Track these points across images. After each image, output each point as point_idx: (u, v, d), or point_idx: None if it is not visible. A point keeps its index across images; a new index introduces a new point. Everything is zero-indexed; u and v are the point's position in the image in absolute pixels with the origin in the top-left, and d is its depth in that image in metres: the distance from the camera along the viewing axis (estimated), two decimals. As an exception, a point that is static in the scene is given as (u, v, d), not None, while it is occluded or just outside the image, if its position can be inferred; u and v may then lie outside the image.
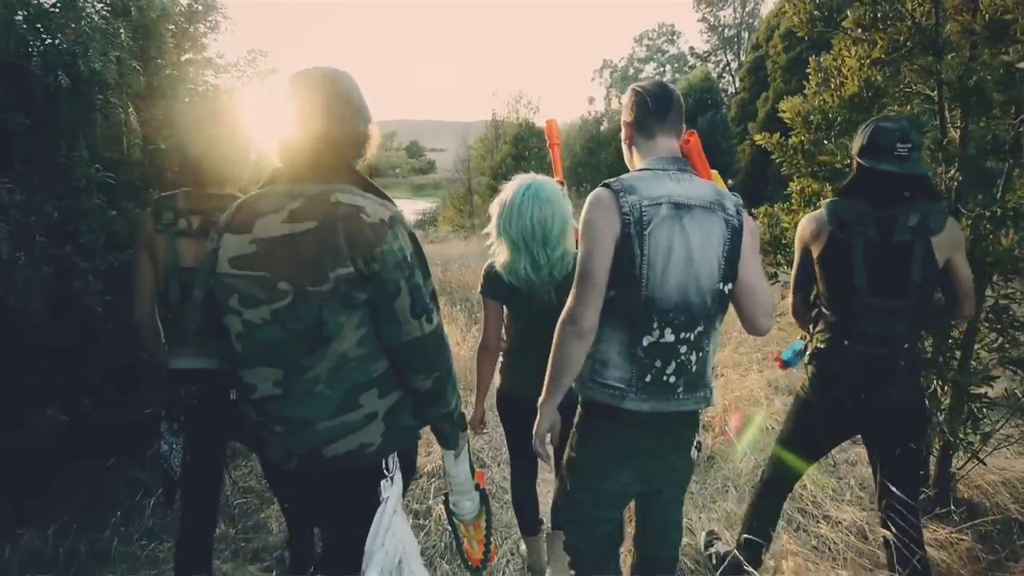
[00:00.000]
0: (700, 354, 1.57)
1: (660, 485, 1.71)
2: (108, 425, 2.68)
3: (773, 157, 2.91)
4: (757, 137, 2.99)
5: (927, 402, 2.16)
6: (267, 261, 1.32)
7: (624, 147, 1.72)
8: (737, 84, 40.62)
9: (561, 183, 2.19)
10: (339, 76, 1.38)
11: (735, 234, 1.56)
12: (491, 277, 2.11)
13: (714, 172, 1.77)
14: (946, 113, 2.59)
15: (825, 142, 2.66)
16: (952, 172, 2.52)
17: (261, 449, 1.48)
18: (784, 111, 2.88)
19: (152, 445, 2.15)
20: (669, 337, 1.52)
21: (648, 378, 1.53)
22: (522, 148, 22.70)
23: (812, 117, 2.73)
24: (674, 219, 1.50)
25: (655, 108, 1.60)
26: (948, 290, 2.00)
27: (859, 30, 2.66)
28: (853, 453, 3.56)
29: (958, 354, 2.63)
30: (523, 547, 2.56)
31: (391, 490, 1.42)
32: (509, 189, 2.07)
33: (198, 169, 1.89)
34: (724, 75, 43.85)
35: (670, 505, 1.78)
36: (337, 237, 1.28)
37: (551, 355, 1.56)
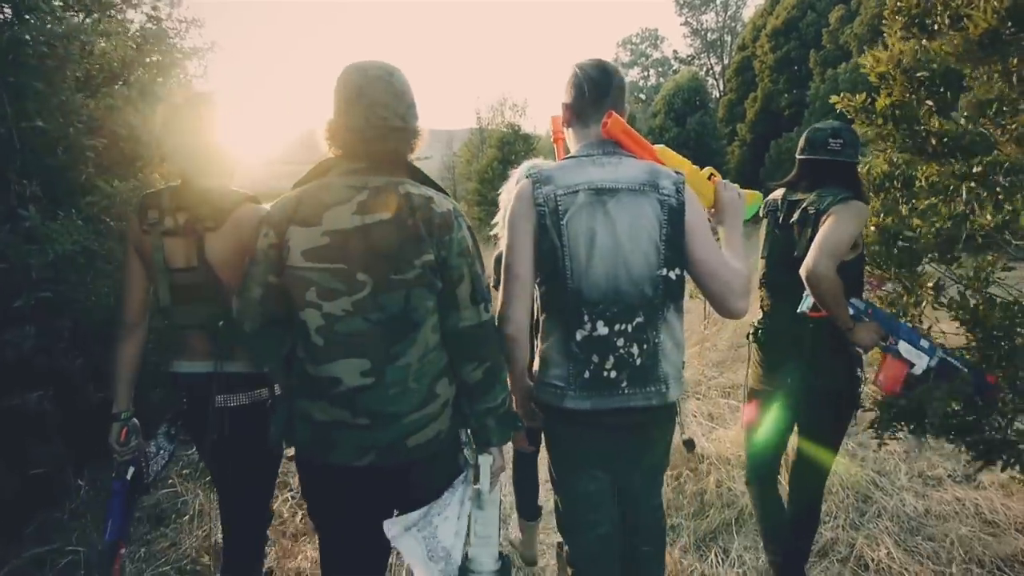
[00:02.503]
0: (644, 347, 1.47)
1: (631, 480, 1.62)
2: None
3: (856, 123, 2.32)
4: (834, 98, 2.39)
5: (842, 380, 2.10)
6: (342, 253, 1.34)
7: (563, 128, 1.66)
8: (722, 87, 40.90)
9: None
10: (397, 70, 1.42)
11: (674, 214, 1.47)
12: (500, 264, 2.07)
13: (660, 147, 1.64)
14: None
15: (929, 102, 2.03)
16: None
17: (323, 452, 1.43)
18: (873, 63, 2.24)
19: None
20: (602, 330, 1.45)
21: (586, 374, 1.47)
22: (508, 152, 22.28)
23: (917, 68, 2.07)
24: (595, 205, 1.45)
25: (591, 96, 1.55)
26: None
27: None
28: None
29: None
30: (515, 534, 2.57)
31: (475, 458, 1.52)
32: (517, 174, 2.13)
33: (183, 162, 1.78)
34: (708, 79, 43.85)
35: (643, 495, 1.66)
36: (416, 226, 1.34)
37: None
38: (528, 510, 2.48)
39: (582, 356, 1.47)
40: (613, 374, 1.47)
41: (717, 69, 44.49)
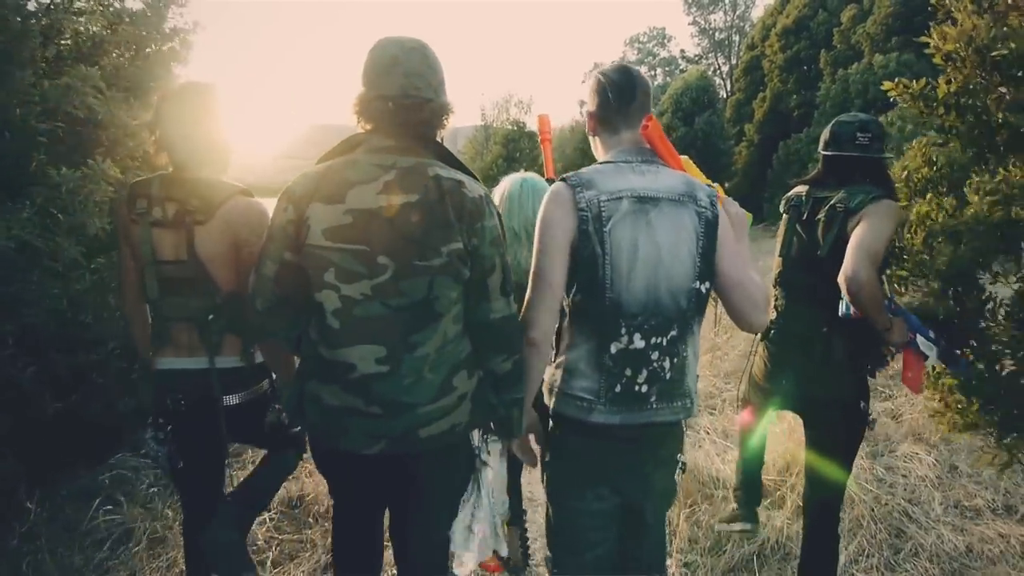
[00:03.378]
0: (675, 360, 1.45)
1: (640, 503, 1.55)
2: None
3: (911, 111, 2.02)
4: (887, 84, 2.08)
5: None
6: (365, 234, 1.29)
7: (590, 137, 1.62)
8: (729, 87, 40.53)
9: (552, 181, 2.12)
10: (429, 47, 1.38)
11: (710, 228, 1.45)
12: None
13: (684, 158, 1.61)
14: None
15: (1002, 89, 1.71)
16: None
17: (334, 437, 1.40)
18: (938, 42, 1.89)
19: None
20: (639, 343, 1.41)
21: (618, 388, 1.43)
22: (513, 149, 22.03)
23: (992, 47, 1.70)
24: (638, 214, 1.40)
25: (616, 101, 1.50)
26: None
27: None
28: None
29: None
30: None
31: (488, 460, 1.53)
32: (505, 185, 2.16)
33: (176, 150, 1.73)
34: (715, 79, 43.48)
35: (651, 526, 1.60)
36: (446, 211, 1.29)
37: None
38: (516, 516, 2.48)
39: (616, 369, 1.42)
40: (644, 388, 1.43)
41: (724, 69, 44.12)
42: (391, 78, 1.32)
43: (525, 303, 1.46)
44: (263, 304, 1.40)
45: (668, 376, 1.44)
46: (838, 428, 2.05)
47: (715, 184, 1.60)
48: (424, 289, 1.30)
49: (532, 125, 23.21)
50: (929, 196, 2.09)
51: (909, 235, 2.08)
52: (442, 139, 1.45)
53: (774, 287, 2.21)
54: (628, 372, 1.42)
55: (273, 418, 1.84)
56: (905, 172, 2.27)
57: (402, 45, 1.35)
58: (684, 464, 1.57)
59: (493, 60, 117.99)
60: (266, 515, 2.80)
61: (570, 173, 1.45)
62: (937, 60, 1.93)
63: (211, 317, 1.67)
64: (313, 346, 1.38)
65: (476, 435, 1.54)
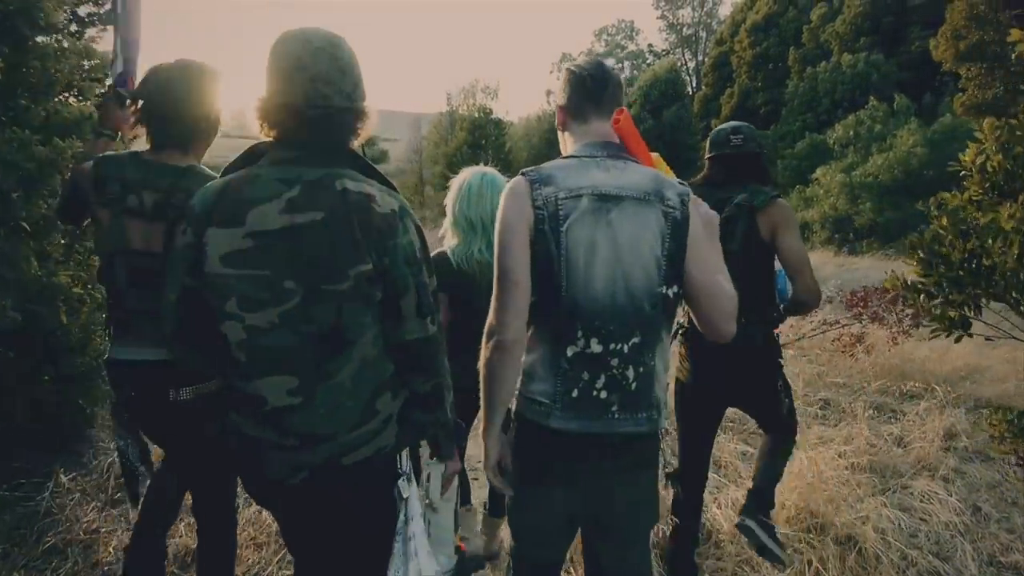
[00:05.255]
0: (640, 369, 1.36)
1: (606, 521, 1.48)
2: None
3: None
4: (1015, 32, 1.59)
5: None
6: (267, 258, 1.19)
7: (559, 133, 1.55)
8: (695, 83, 40.71)
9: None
10: (342, 42, 1.26)
11: (677, 229, 1.36)
12: (437, 263, 1.99)
13: (655, 155, 1.54)
14: None
15: None
16: None
17: (256, 467, 1.33)
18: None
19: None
20: (596, 348, 1.34)
21: (575, 393, 1.36)
22: (479, 136, 21.38)
23: None
24: (598, 213, 1.34)
25: (592, 88, 1.44)
26: (785, 266, 2.14)
27: None
28: None
29: None
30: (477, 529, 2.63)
31: (410, 489, 1.40)
32: (465, 176, 2.18)
33: (159, 129, 1.64)
34: (682, 74, 43.61)
35: (625, 548, 1.51)
36: (352, 230, 1.19)
37: (481, 375, 1.40)
38: (497, 509, 2.51)
39: (572, 373, 1.36)
40: (604, 395, 1.37)
41: (691, 65, 44.28)
42: (294, 84, 1.19)
43: (492, 306, 1.39)
44: (170, 329, 1.33)
45: (633, 386, 1.37)
46: (776, 403, 2.23)
47: (656, 154, 1.55)
48: (332, 314, 1.21)
49: (499, 111, 22.60)
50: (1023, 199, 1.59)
51: (997, 248, 1.57)
52: (363, 151, 1.36)
53: None
54: (585, 376, 1.36)
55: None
56: (981, 159, 1.76)
57: (308, 43, 1.21)
58: (670, 475, 1.51)
59: (461, 46, 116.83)
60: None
61: (531, 168, 1.40)
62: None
63: None
64: (229, 377, 1.31)
65: (403, 458, 1.42)
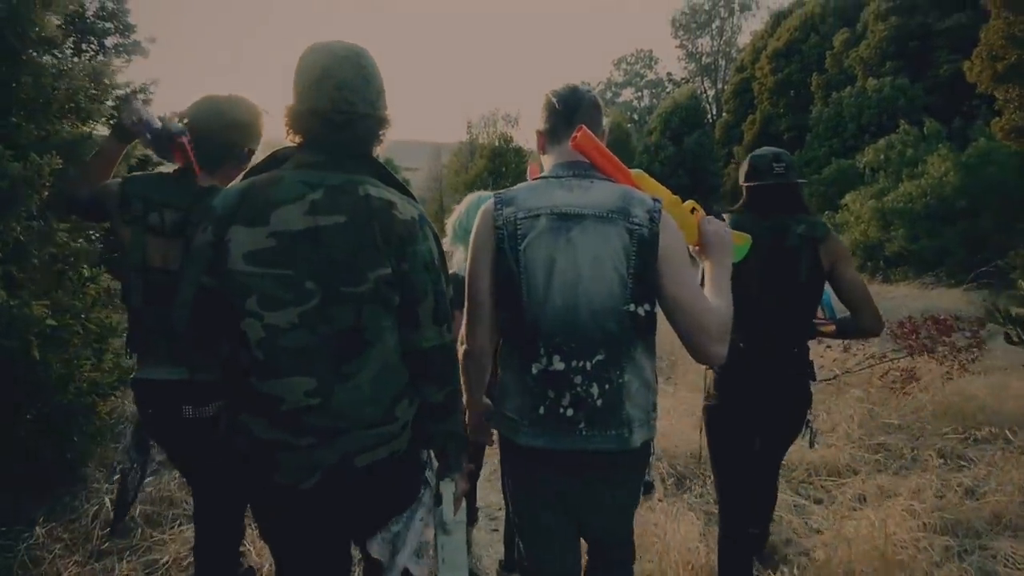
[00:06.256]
0: (607, 386, 1.38)
1: (593, 521, 1.53)
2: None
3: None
4: None
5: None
6: (289, 257, 1.22)
7: (540, 156, 1.59)
8: (715, 111, 40.62)
9: None
10: (366, 53, 1.31)
11: (644, 246, 1.36)
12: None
13: (636, 171, 1.53)
14: None
15: None
16: None
17: (266, 472, 1.30)
18: None
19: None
20: (558, 365, 1.37)
21: (541, 410, 1.39)
22: (499, 163, 21.42)
23: None
24: (557, 232, 1.37)
25: (563, 110, 1.48)
26: (846, 300, 2.19)
27: None
28: None
29: None
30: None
31: (432, 480, 1.42)
32: (464, 202, 2.34)
33: (196, 148, 1.68)
34: (702, 102, 43.60)
35: (608, 534, 1.57)
36: (374, 234, 1.23)
37: (460, 374, 1.45)
38: (511, 564, 2.48)
39: (537, 390, 1.39)
40: (570, 412, 1.38)
41: (711, 93, 44.28)
42: (320, 91, 1.24)
43: (465, 316, 1.48)
44: (181, 327, 1.33)
45: (599, 403, 1.38)
46: (796, 435, 2.26)
47: (689, 201, 1.55)
48: (351, 316, 1.23)
49: (519, 140, 22.63)
50: None
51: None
52: (378, 155, 1.36)
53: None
54: (551, 394, 1.39)
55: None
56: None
57: (333, 54, 1.26)
58: (651, 484, 1.54)
59: (479, 78, 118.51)
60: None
61: (501, 190, 1.46)
62: None
63: None
64: (241, 376, 1.28)
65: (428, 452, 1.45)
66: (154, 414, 1.68)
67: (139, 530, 2.62)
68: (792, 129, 22.65)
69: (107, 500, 2.62)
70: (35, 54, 2.56)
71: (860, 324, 2.20)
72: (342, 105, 1.24)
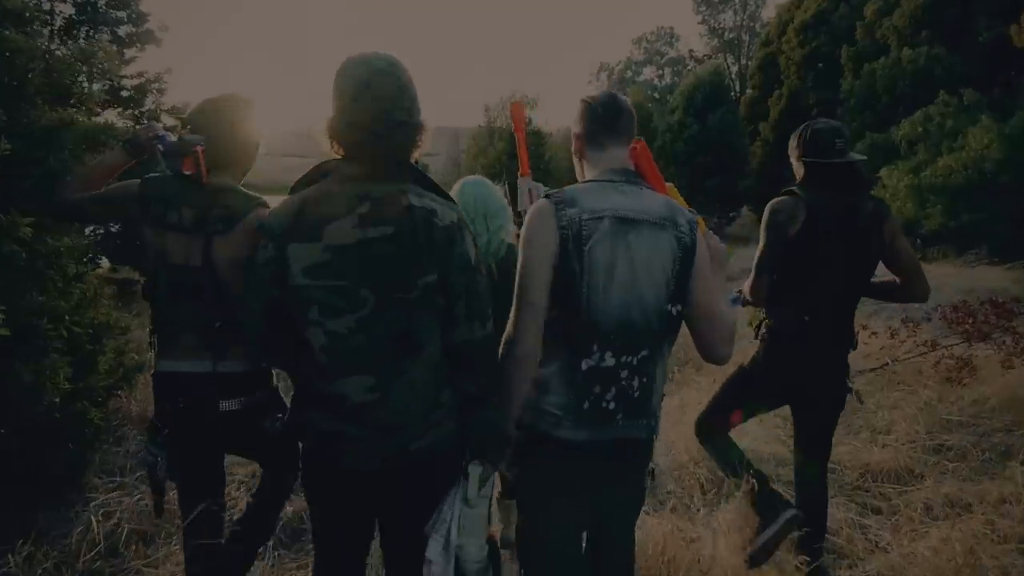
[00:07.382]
0: (644, 380, 1.49)
1: (608, 519, 1.64)
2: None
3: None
4: None
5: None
6: (344, 269, 1.33)
7: (575, 160, 1.68)
8: (738, 87, 39.45)
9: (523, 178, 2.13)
10: (399, 62, 1.39)
11: (687, 252, 1.50)
12: None
13: (670, 185, 1.66)
14: None
15: None
16: None
17: (333, 459, 1.45)
18: None
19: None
20: (609, 361, 1.45)
21: (586, 405, 1.46)
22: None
23: None
24: (618, 235, 1.45)
25: (604, 116, 1.56)
26: (900, 271, 2.26)
27: None
28: None
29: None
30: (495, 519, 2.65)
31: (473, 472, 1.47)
32: (463, 191, 2.34)
33: (208, 150, 1.75)
34: (725, 79, 42.39)
35: (618, 540, 1.67)
36: (418, 243, 1.32)
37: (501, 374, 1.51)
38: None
39: (585, 386, 1.45)
40: (612, 406, 1.46)
41: (734, 69, 43.03)
42: (362, 103, 1.32)
43: (510, 319, 1.48)
44: (255, 332, 1.44)
45: (636, 395, 1.47)
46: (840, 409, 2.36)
47: (697, 216, 1.61)
48: (403, 320, 1.33)
49: (538, 121, 22.13)
50: None
51: None
52: (416, 161, 1.43)
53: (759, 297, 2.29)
54: (597, 389, 1.45)
55: (271, 426, 1.82)
56: None
57: (371, 67, 1.34)
58: (653, 470, 1.62)
59: (497, 60, 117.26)
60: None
61: (554, 191, 1.49)
62: None
63: (218, 325, 1.69)
64: (308, 378, 1.42)
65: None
66: (185, 406, 1.73)
67: (133, 546, 2.44)
68: (821, 103, 21.73)
69: (94, 520, 2.44)
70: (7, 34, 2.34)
71: (912, 293, 2.26)
72: (381, 117, 1.32)
